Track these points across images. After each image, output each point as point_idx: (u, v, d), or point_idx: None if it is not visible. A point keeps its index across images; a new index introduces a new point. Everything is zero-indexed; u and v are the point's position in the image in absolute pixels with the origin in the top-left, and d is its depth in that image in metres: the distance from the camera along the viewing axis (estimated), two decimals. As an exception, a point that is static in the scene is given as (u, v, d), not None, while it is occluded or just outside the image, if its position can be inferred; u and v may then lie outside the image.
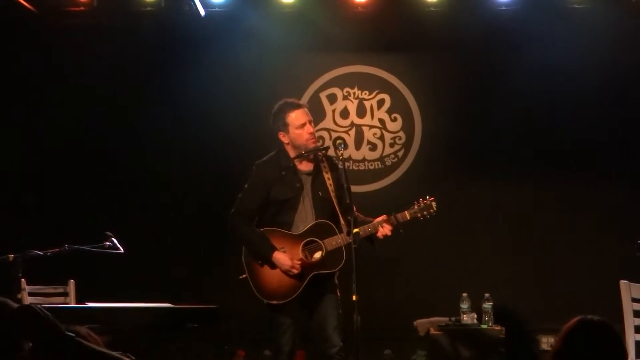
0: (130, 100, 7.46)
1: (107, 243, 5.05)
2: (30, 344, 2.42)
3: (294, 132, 5.23)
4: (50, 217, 7.22)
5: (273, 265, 5.15)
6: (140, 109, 7.47)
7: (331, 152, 5.80)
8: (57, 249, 4.94)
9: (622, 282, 5.39)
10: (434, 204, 5.28)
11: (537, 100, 7.44)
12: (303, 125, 5.23)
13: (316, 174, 5.28)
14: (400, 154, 7.65)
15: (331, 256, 5.15)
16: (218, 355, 4.99)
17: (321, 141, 7.26)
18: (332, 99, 7.68)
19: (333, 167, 5.31)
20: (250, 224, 5.23)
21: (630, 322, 5.29)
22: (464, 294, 6.69)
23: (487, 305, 6.64)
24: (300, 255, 5.16)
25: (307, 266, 5.15)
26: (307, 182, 5.26)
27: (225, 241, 5.58)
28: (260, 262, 5.18)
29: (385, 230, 5.15)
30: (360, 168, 7.63)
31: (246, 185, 5.30)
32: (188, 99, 7.42)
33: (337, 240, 5.13)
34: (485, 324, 6.63)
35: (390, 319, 7.07)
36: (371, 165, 7.65)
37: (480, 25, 7.33)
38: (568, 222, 7.42)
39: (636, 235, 5.61)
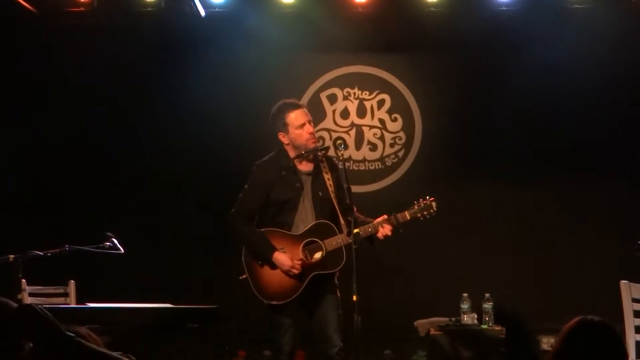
0: (130, 100, 7.46)
1: (108, 243, 5.06)
2: (31, 344, 2.42)
3: (293, 132, 5.23)
4: (50, 217, 7.22)
5: (273, 266, 5.15)
6: (140, 109, 7.47)
7: (331, 153, 5.80)
8: (58, 250, 4.94)
9: (623, 282, 5.39)
10: (434, 204, 5.28)
11: (537, 100, 7.44)
12: (303, 125, 5.23)
13: (316, 174, 5.28)
14: (400, 154, 7.65)
15: (331, 256, 5.15)
16: (218, 356, 4.97)
17: (321, 141, 7.25)
18: (333, 99, 7.68)
19: (333, 167, 5.31)
20: (250, 224, 5.23)
21: (630, 322, 5.29)
22: (464, 294, 6.69)
23: (488, 306, 6.64)
24: (301, 256, 5.16)
25: (307, 266, 5.15)
26: (307, 183, 5.26)
27: (225, 241, 5.58)
28: (260, 262, 5.18)
29: (385, 230, 5.15)
30: (361, 168, 7.63)
31: (246, 186, 5.30)
32: (188, 99, 7.42)
33: (337, 241, 5.13)
34: (485, 324, 6.62)
35: (391, 319, 7.07)
36: (371, 165, 7.65)
37: (480, 26, 7.32)
38: (568, 222, 7.42)
39: (636, 235, 5.61)
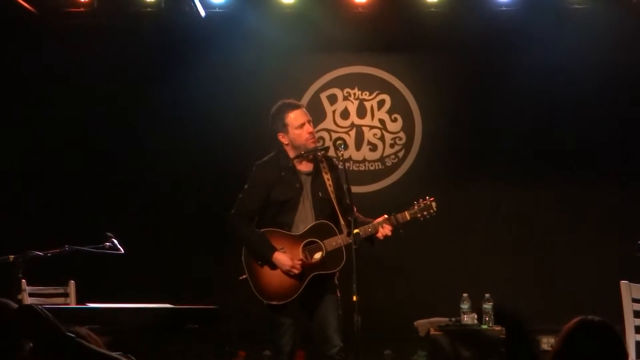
0: (130, 100, 7.46)
1: (108, 244, 5.06)
2: (31, 344, 2.42)
3: (293, 132, 5.23)
4: (50, 217, 7.22)
5: (273, 266, 5.15)
6: (140, 109, 7.47)
7: (332, 153, 5.80)
8: (58, 250, 4.95)
9: (623, 282, 5.39)
10: (434, 204, 5.28)
11: (537, 100, 7.44)
12: (302, 125, 5.23)
13: (316, 174, 5.28)
14: (400, 154, 7.65)
15: (331, 257, 5.14)
16: (218, 356, 4.97)
17: (321, 141, 7.26)
18: (333, 99, 7.68)
19: (332, 168, 5.31)
20: (250, 224, 5.23)
21: (630, 322, 5.29)
22: (464, 294, 6.68)
23: (488, 306, 6.64)
24: (301, 256, 5.16)
25: (307, 267, 5.15)
26: (307, 183, 5.25)
27: (225, 241, 5.58)
28: (260, 262, 5.18)
29: (385, 230, 5.15)
30: (361, 168, 7.63)
31: (246, 186, 5.30)
32: (188, 99, 7.42)
33: (337, 241, 5.13)
34: (485, 324, 6.62)
35: (391, 319, 7.06)
36: (371, 165, 7.65)
37: (480, 26, 7.32)
38: (568, 222, 7.42)
39: (636, 235, 5.61)
